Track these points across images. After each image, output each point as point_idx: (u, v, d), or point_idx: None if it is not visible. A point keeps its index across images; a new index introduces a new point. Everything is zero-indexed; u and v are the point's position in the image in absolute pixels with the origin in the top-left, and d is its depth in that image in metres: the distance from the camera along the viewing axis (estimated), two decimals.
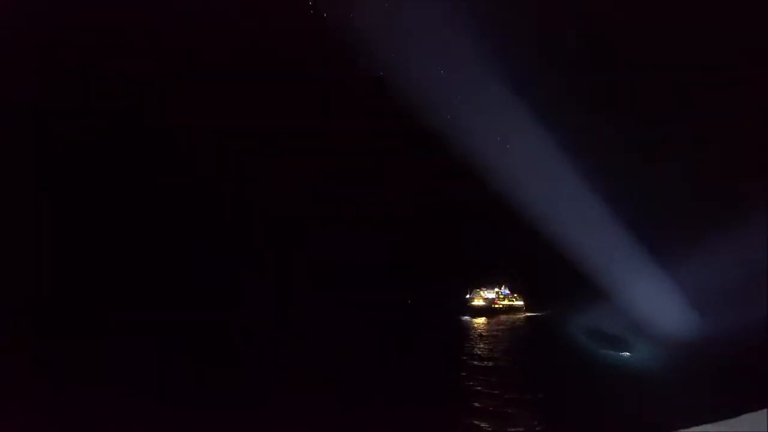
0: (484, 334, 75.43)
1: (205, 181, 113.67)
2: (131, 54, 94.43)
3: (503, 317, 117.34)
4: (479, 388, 34.83)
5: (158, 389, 31.57)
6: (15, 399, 27.27)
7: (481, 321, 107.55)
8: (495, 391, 33.49)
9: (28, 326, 53.38)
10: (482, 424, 27.18)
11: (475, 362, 45.96)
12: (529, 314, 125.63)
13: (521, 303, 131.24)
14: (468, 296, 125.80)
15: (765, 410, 17.17)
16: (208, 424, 26.46)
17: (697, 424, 16.59)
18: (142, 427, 25.33)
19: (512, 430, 26.69)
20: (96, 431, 24.93)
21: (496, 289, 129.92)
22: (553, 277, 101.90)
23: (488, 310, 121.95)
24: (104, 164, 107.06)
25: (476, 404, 31.09)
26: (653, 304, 60.15)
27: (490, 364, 45.85)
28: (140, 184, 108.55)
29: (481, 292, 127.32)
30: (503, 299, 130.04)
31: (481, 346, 58.81)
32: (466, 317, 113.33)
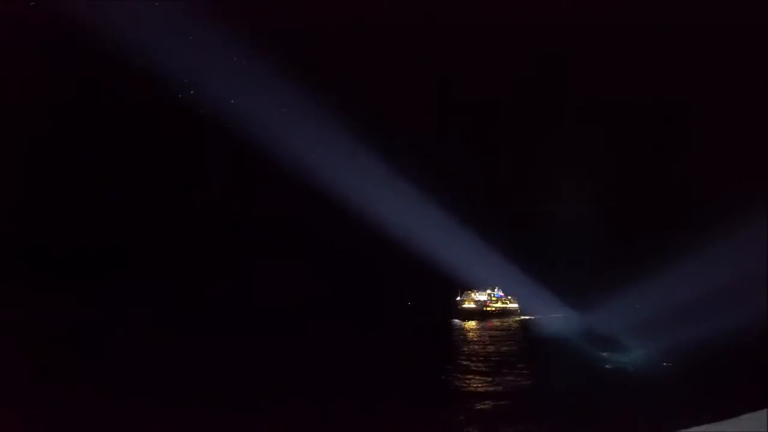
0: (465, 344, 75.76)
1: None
2: None
3: (496, 321, 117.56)
4: None
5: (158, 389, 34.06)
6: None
7: (471, 325, 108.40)
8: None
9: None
10: None
11: None
12: (524, 317, 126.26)
13: (516, 306, 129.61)
14: (459, 298, 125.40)
15: (765, 410, 20.13)
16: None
17: (696, 424, 19.45)
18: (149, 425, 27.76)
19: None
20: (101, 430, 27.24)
21: (488, 291, 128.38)
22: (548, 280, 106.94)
23: (479, 313, 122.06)
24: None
25: None
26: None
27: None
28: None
29: (473, 294, 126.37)
30: (496, 302, 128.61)
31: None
32: (456, 320, 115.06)
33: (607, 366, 53.11)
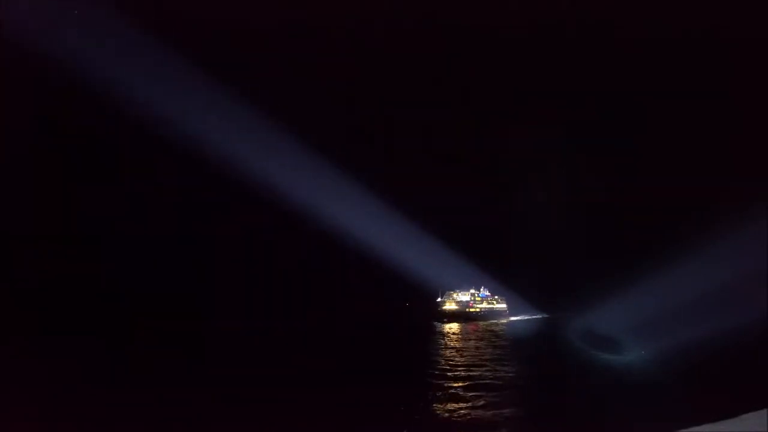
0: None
1: None
2: None
3: (481, 323, 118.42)
4: None
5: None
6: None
7: (451, 328, 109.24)
8: None
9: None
10: None
11: None
12: (513, 319, 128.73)
13: (503, 306, 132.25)
14: (440, 299, 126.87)
15: (765, 410, 21.93)
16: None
17: (696, 424, 21.04)
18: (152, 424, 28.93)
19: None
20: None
21: (472, 291, 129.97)
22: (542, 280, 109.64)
23: (462, 315, 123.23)
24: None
25: None
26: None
27: None
28: None
29: (454, 295, 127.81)
30: (481, 302, 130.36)
31: None
32: (437, 323, 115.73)
33: (606, 367, 54.99)
